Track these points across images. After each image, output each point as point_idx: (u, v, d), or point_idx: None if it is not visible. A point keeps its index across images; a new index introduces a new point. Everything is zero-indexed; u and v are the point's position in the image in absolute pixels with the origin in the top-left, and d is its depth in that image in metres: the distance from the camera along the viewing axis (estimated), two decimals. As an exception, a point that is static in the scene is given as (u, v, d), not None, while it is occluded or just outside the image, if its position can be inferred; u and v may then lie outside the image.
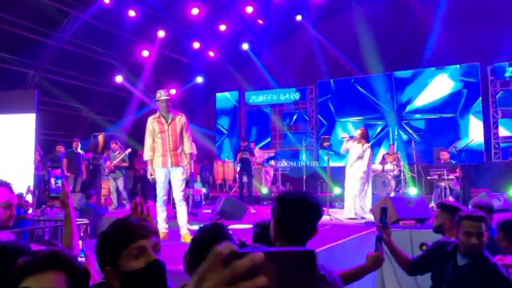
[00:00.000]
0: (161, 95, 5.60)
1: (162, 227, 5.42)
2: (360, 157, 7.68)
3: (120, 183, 10.39)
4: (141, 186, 12.74)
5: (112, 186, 10.52)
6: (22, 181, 9.01)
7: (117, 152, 10.52)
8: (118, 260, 1.43)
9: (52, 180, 2.32)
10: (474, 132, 12.45)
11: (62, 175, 2.43)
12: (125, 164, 10.60)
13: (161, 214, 5.52)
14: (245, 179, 9.84)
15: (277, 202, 1.93)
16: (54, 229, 6.44)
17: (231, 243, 0.64)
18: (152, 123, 5.63)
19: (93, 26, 12.23)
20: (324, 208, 7.50)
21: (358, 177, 7.67)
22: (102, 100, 14.11)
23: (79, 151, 11.09)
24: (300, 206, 1.85)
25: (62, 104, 12.84)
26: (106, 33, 12.71)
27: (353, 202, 7.68)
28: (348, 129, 13.21)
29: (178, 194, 5.54)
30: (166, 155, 5.54)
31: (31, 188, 8.08)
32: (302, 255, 0.64)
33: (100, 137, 12.45)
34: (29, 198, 7.80)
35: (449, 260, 2.75)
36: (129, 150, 10.78)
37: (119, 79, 13.52)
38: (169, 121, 5.59)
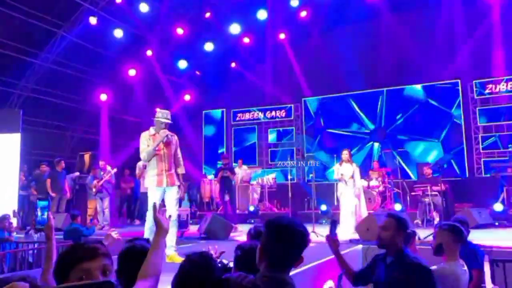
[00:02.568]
0: (165, 117, 5.59)
1: None
2: (352, 176, 8.28)
3: (106, 203, 10.32)
4: (128, 206, 12.68)
5: (99, 206, 10.45)
6: (7, 202, 8.95)
7: (104, 170, 10.49)
8: (67, 281, 1.41)
9: (39, 211, 2.33)
10: (456, 148, 12.69)
11: (49, 207, 2.44)
12: (113, 182, 10.57)
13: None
14: (227, 197, 9.89)
15: (265, 228, 1.94)
16: (38, 251, 6.39)
17: (22, 283, 0.62)
18: (147, 139, 5.56)
19: (80, 46, 12.29)
20: (310, 226, 7.68)
21: (352, 195, 8.19)
22: (88, 120, 14.10)
23: (61, 170, 10.99)
24: (288, 235, 1.86)
25: (48, 124, 12.81)
26: (93, 53, 12.77)
27: (350, 221, 7.93)
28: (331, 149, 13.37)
29: (173, 214, 5.47)
30: (162, 175, 5.47)
31: (16, 210, 8.01)
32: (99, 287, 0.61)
33: (86, 157, 12.40)
34: (13, 220, 7.73)
35: (382, 264, 3.00)
36: (115, 170, 10.75)
37: (103, 97, 13.53)
38: (165, 141, 5.55)
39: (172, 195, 5.54)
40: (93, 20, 11.67)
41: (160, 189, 5.47)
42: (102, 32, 12.26)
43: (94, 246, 1.48)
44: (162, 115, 5.59)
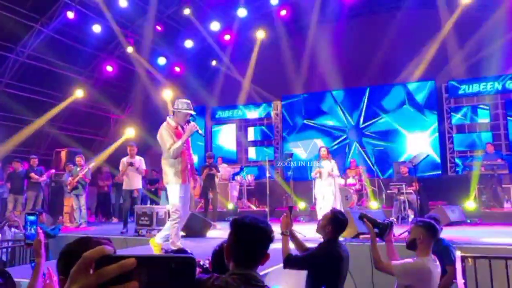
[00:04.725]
0: (190, 108, 5.23)
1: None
2: (330, 174, 8.39)
3: (82, 201, 10.15)
4: (104, 203, 12.53)
5: (75, 203, 10.28)
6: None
7: (80, 167, 10.31)
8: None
9: (28, 226, 2.28)
10: (430, 146, 12.98)
11: (37, 222, 2.38)
12: (87, 180, 10.37)
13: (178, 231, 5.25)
14: (210, 195, 9.85)
15: (230, 226, 2.01)
16: (12, 250, 6.28)
17: (108, 247, 0.65)
18: (169, 133, 5.11)
19: (57, 41, 12.07)
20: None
21: (331, 191, 8.31)
22: (65, 115, 13.85)
23: (36, 167, 10.78)
24: (251, 233, 1.93)
25: (24, 119, 12.53)
26: (70, 48, 12.55)
27: None
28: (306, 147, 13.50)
29: (188, 210, 5.42)
30: (185, 171, 5.18)
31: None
32: (179, 262, 0.64)
33: (63, 153, 12.18)
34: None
35: None
36: (92, 164, 10.56)
37: (79, 93, 13.32)
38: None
39: (188, 194, 5.35)
40: (70, 15, 11.48)
41: (184, 186, 5.15)
42: (80, 27, 12.08)
43: (102, 242, 1.47)
44: (187, 106, 5.19)
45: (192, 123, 5.23)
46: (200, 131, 5.26)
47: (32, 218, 2.34)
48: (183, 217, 5.32)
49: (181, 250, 2.09)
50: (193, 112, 5.27)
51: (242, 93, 15.23)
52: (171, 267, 0.64)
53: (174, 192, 5.12)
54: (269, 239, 1.98)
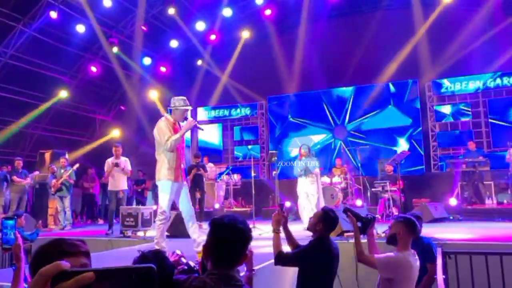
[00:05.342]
0: (185, 104, 5.13)
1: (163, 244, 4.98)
2: (312, 172, 8.29)
3: (66, 202, 10.05)
4: (89, 205, 12.44)
5: (59, 205, 10.18)
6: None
7: (64, 169, 10.20)
8: None
9: (6, 230, 2.24)
10: (414, 144, 13.17)
11: (16, 226, 2.34)
12: (72, 182, 10.27)
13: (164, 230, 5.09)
14: (198, 195, 9.84)
15: (209, 226, 2.01)
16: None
17: (64, 262, 0.64)
18: (168, 127, 5.01)
19: (40, 41, 11.94)
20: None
21: (314, 190, 8.22)
22: (49, 116, 13.71)
23: (20, 169, 10.64)
24: (229, 234, 1.92)
25: (7, 121, 12.38)
26: (54, 48, 12.43)
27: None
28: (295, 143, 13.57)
29: (191, 209, 5.27)
30: (179, 169, 5.04)
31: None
32: (140, 272, 0.64)
33: (47, 155, 12.05)
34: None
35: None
36: (76, 165, 10.46)
37: (64, 94, 13.19)
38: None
39: (187, 190, 5.22)
40: (53, 15, 11.37)
41: (176, 184, 5.02)
42: (63, 27, 11.97)
43: (76, 243, 1.46)
44: (183, 102, 5.13)
45: (190, 118, 5.17)
46: (198, 125, 5.22)
47: (10, 222, 2.31)
48: (185, 213, 5.19)
49: (158, 252, 2.08)
50: (190, 108, 5.22)
51: (227, 93, 15.23)
52: (132, 278, 0.64)
53: (165, 189, 4.99)
54: (247, 239, 1.96)
